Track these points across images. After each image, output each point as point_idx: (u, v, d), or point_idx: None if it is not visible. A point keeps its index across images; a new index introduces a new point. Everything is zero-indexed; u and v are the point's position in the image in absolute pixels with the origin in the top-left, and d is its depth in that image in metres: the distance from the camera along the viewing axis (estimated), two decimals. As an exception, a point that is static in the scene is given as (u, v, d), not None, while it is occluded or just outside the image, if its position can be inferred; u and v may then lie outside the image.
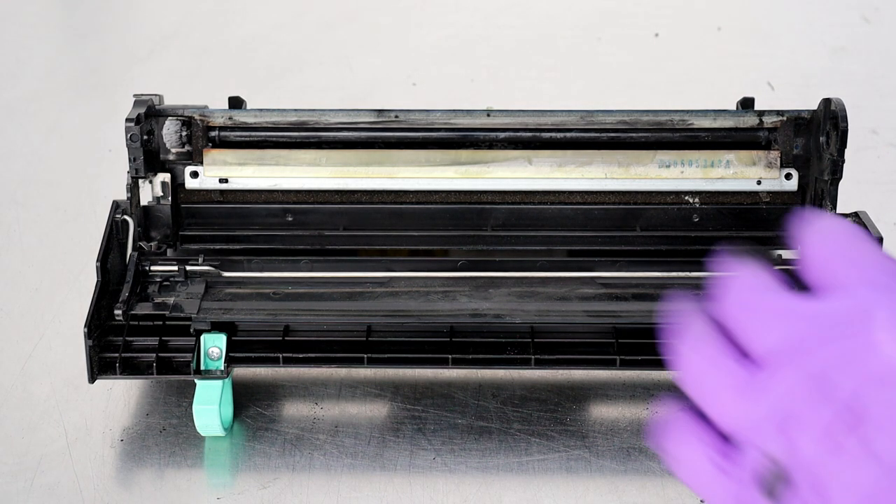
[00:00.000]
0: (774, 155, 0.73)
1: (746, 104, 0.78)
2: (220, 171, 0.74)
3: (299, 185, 0.74)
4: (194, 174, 0.74)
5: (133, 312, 0.68)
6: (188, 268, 0.70)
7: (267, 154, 0.74)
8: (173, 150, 0.74)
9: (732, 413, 0.45)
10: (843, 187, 0.72)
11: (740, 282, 0.46)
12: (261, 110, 0.74)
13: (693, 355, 0.46)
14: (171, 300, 0.69)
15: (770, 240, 0.74)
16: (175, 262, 0.70)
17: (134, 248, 0.71)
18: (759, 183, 0.73)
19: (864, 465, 0.42)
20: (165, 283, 0.70)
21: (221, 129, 0.74)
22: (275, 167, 0.73)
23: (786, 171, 0.73)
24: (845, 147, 0.70)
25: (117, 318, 0.67)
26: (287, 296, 0.69)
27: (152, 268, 0.70)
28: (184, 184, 0.74)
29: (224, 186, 0.74)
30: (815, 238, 0.46)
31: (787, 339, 0.44)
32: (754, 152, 0.73)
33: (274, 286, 0.70)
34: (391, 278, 0.70)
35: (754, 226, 0.74)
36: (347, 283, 0.70)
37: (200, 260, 0.71)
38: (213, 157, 0.74)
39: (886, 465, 0.41)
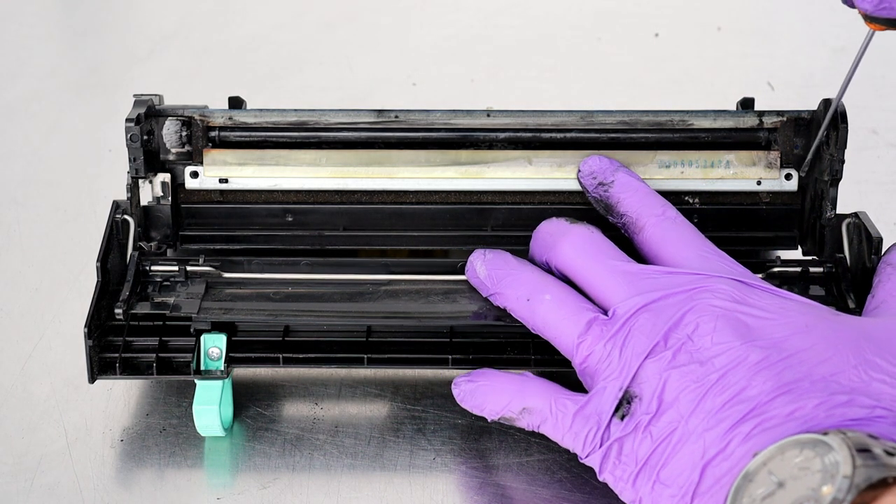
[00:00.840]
0: (774, 155, 0.73)
1: (746, 104, 0.78)
2: (220, 171, 0.74)
3: (299, 185, 0.74)
4: (194, 174, 0.74)
5: (133, 312, 0.68)
6: (189, 268, 0.70)
7: (267, 154, 0.74)
8: (173, 150, 0.74)
9: (593, 356, 0.61)
10: (843, 187, 0.72)
11: (586, 243, 0.65)
12: (261, 110, 0.74)
13: (554, 307, 0.63)
14: (171, 300, 0.69)
15: (770, 240, 0.74)
16: (175, 263, 0.70)
17: (134, 248, 0.71)
18: (759, 183, 0.73)
19: (690, 367, 0.58)
20: (166, 283, 0.70)
21: (221, 129, 0.74)
22: (275, 167, 0.73)
23: (786, 171, 0.73)
24: (845, 147, 0.70)
25: (118, 317, 0.67)
26: (287, 297, 0.69)
27: (153, 268, 0.70)
28: (184, 184, 0.74)
29: (224, 186, 0.74)
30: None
31: (639, 294, 0.61)
32: (754, 153, 0.73)
33: (274, 286, 0.70)
34: (391, 280, 0.70)
35: (754, 226, 0.74)
36: (348, 284, 0.70)
37: (201, 260, 0.71)
38: (213, 157, 0.74)
39: (705, 363, 0.58)
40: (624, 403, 0.60)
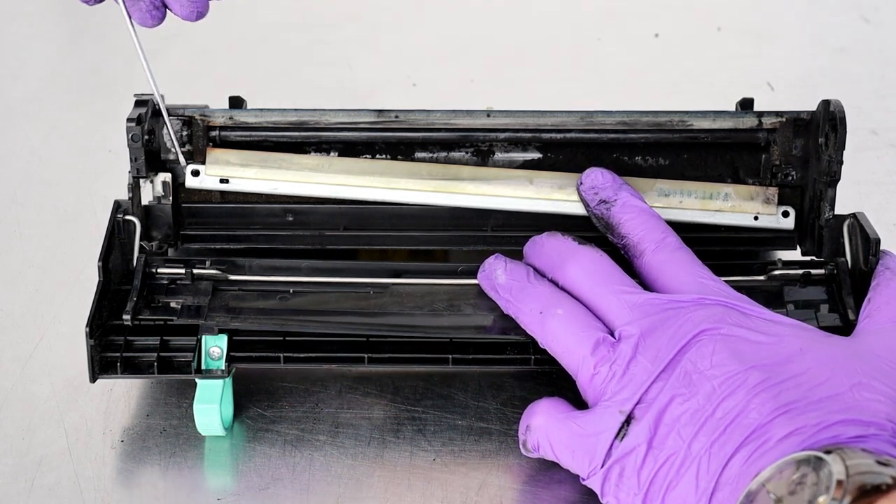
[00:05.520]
0: (773, 191, 0.73)
1: (746, 105, 0.78)
2: (221, 171, 0.74)
3: (299, 190, 0.74)
4: (195, 172, 0.74)
5: (140, 317, 0.68)
6: (195, 271, 0.70)
7: (270, 157, 0.74)
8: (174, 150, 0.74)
9: (598, 377, 0.62)
10: (843, 188, 0.72)
11: (594, 268, 0.65)
12: (261, 110, 0.74)
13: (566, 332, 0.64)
14: (177, 304, 0.69)
15: (768, 240, 0.74)
16: (182, 265, 0.70)
17: (140, 251, 0.71)
18: (756, 218, 0.73)
19: (690, 391, 0.59)
20: (171, 285, 0.70)
21: (222, 128, 0.74)
22: (276, 170, 0.74)
23: (783, 208, 0.74)
24: (843, 149, 0.70)
25: (125, 322, 0.67)
26: (292, 301, 0.69)
27: (159, 270, 0.70)
28: (184, 182, 0.74)
29: (224, 187, 0.74)
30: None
31: (643, 318, 0.62)
32: (752, 187, 0.73)
33: (279, 288, 0.70)
34: (394, 283, 0.70)
35: (752, 227, 0.74)
36: (351, 286, 0.70)
37: (207, 263, 0.71)
38: (216, 156, 0.74)
39: (705, 386, 0.59)
40: (625, 426, 0.60)
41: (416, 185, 0.73)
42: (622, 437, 0.60)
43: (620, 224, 0.68)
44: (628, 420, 0.60)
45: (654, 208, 0.70)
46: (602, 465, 0.60)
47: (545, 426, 0.63)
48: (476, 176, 0.74)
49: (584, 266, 0.66)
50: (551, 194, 0.73)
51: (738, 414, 0.58)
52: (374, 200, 0.74)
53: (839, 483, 0.51)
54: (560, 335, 0.64)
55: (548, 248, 0.68)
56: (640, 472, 0.59)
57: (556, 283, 0.66)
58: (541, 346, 0.65)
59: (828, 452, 0.53)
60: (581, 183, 0.71)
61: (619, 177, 0.71)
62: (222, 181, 0.74)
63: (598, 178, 0.70)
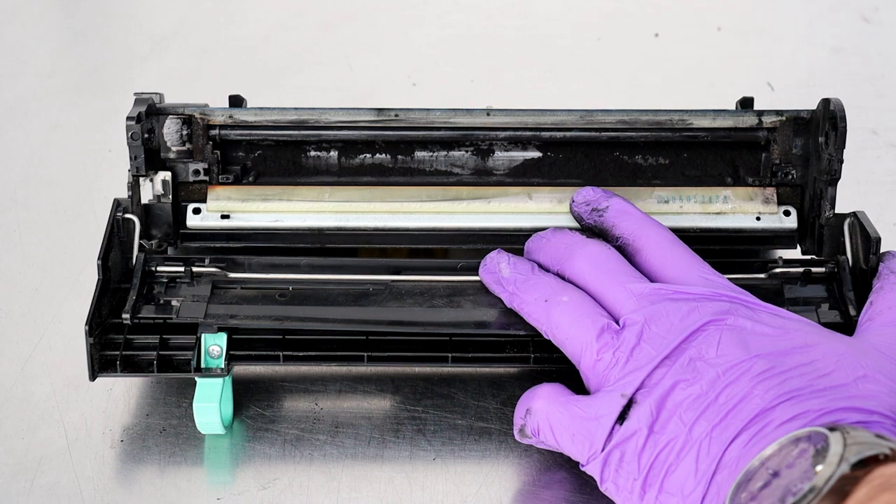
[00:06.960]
0: (770, 191, 0.73)
1: (746, 104, 0.78)
2: (222, 207, 0.74)
3: (301, 221, 0.74)
4: (196, 210, 0.74)
5: (139, 315, 0.68)
6: (194, 269, 0.70)
7: (270, 191, 0.74)
8: (174, 149, 0.74)
9: (601, 363, 0.62)
10: (843, 187, 0.72)
11: (601, 259, 0.66)
12: (261, 109, 0.74)
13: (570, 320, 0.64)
14: (176, 301, 0.69)
15: (769, 239, 0.74)
16: (181, 263, 0.70)
17: (140, 249, 0.71)
18: (758, 219, 0.73)
19: (694, 377, 0.59)
20: (171, 283, 0.70)
21: (222, 127, 0.74)
22: (278, 202, 0.73)
23: (784, 207, 0.73)
24: (844, 147, 0.70)
25: (125, 321, 0.67)
26: (292, 298, 0.69)
27: (158, 268, 0.70)
28: (185, 222, 0.74)
29: (226, 223, 0.74)
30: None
31: (649, 306, 0.62)
32: (750, 189, 0.73)
33: (278, 286, 0.70)
34: (394, 280, 0.70)
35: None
36: (350, 284, 0.70)
37: (207, 261, 0.71)
38: (216, 193, 0.74)
39: (710, 373, 0.59)
40: (626, 410, 0.60)
41: (417, 208, 0.73)
42: (623, 421, 0.60)
43: (614, 227, 0.69)
44: (630, 404, 0.60)
45: (654, 216, 0.70)
46: (602, 450, 0.60)
47: (546, 409, 0.63)
48: (476, 195, 0.74)
49: (591, 258, 0.66)
50: (552, 208, 0.73)
51: (741, 400, 0.58)
52: (376, 228, 0.74)
53: (837, 451, 0.52)
54: (564, 323, 0.64)
55: (554, 242, 0.68)
56: (641, 456, 0.59)
57: (561, 277, 0.67)
58: (544, 335, 0.65)
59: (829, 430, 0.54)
60: (573, 201, 0.71)
61: (609, 191, 0.71)
62: (223, 217, 0.74)
63: (589, 193, 0.71)
